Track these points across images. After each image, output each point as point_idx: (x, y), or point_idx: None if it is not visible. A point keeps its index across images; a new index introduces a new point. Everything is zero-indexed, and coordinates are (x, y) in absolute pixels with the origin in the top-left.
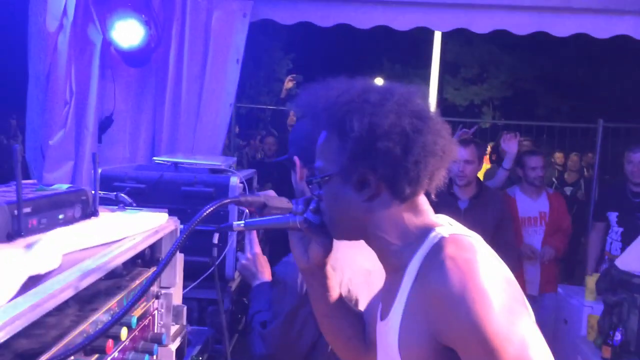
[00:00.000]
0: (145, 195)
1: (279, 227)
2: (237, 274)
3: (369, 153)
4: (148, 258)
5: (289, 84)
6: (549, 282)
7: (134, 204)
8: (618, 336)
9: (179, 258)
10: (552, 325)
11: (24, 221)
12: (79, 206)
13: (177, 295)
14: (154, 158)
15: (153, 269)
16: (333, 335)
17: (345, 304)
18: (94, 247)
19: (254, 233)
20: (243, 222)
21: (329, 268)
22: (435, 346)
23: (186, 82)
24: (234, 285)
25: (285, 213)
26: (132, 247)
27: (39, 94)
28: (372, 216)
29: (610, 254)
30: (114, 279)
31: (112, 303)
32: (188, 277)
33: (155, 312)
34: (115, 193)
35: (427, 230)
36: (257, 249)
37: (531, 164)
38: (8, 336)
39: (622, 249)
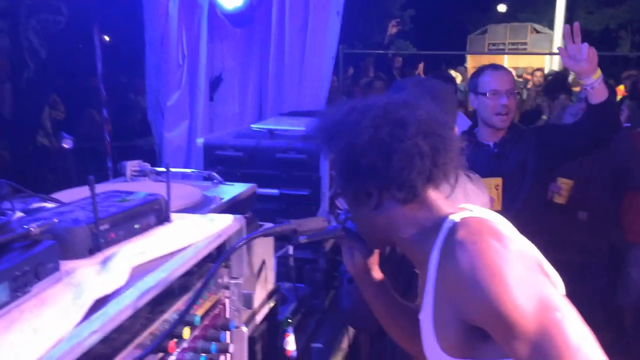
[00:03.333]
0: (243, 162)
1: (330, 236)
2: None
3: (355, 170)
4: (215, 255)
5: (392, 29)
6: None
7: (225, 182)
8: None
9: (247, 247)
10: None
11: (103, 236)
12: (153, 215)
13: (247, 283)
14: (252, 125)
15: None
16: (396, 333)
17: (401, 304)
18: (161, 256)
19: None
20: (306, 236)
21: (375, 273)
22: (465, 327)
23: (289, 38)
24: (328, 246)
25: (316, 237)
26: (193, 256)
27: (154, 59)
28: (386, 222)
29: None
30: (184, 277)
31: (179, 304)
32: (283, 238)
33: (226, 300)
34: (207, 172)
35: (441, 220)
36: None
37: None
38: None
39: None
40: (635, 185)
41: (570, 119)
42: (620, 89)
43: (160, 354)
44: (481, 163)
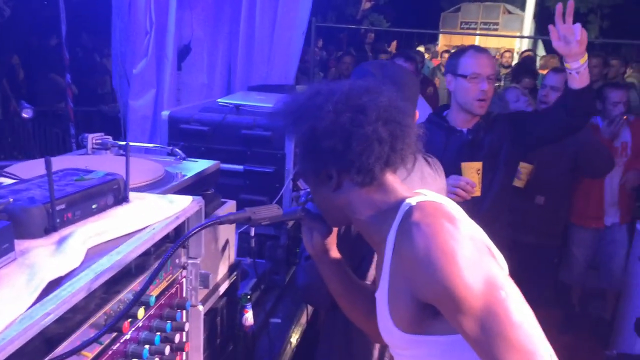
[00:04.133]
0: (208, 137)
1: (290, 218)
2: None
3: (316, 153)
4: (174, 236)
5: (366, 4)
6: (628, 212)
7: (188, 159)
8: None
9: (207, 230)
10: (622, 259)
11: (59, 216)
12: (111, 194)
13: (207, 258)
14: (218, 100)
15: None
16: (352, 312)
17: (357, 284)
18: (117, 237)
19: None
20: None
21: (333, 253)
22: (418, 304)
23: (260, 10)
24: (290, 223)
25: (273, 221)
26: (150, 238)
27: (121, 23)
28: (345, 203)
29: None
30: (142, 257)
31: (135, 284)
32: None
33: (184, 280)
34: (171, 147)
35: (398, 203)
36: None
37: (613, 99)
38: (21, 345)
39: None
40: (589, 173)
41: (514, 105)
42: None
43: (114, 334)
44: (455, 150)
